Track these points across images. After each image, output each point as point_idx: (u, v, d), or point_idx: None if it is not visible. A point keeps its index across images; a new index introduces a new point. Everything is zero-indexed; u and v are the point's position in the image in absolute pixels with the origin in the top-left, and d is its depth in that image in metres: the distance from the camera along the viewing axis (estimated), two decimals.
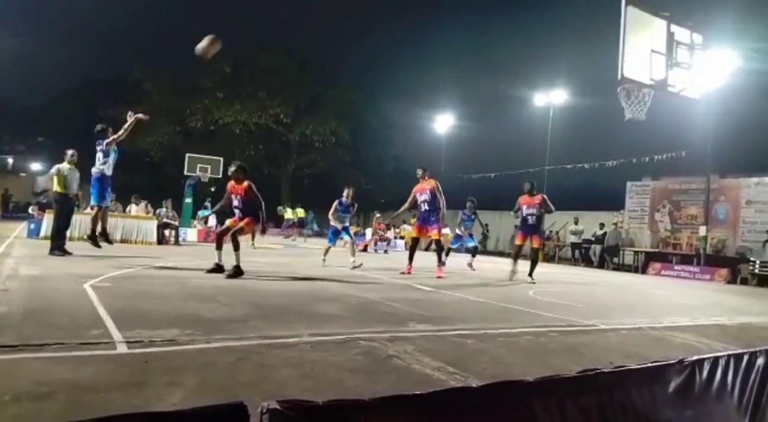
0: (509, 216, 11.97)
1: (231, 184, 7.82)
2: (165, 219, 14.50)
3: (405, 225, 23.52)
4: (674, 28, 8.86)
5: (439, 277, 8.99)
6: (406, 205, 10.03)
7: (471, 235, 12.70)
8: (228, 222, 8.02)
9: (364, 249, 18.90)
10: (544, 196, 9.95)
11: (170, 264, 8.59)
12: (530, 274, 9.62)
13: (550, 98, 22.36)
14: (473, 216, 12.52)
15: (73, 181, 9.20)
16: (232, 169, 7.81)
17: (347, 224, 10.60)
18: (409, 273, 9.32)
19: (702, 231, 15.78)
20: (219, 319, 4.13)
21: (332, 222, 10.54)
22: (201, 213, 19.66)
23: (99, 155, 8.60)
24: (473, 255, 12.62)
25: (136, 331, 3.43)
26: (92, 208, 8.48)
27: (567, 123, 23.16)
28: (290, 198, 31.88)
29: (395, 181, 32.95)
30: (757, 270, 13.82)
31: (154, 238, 13.76)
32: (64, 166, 9.10)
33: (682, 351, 4.08)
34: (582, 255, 19.69)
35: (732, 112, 16.89)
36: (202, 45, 7.60)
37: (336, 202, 10.43)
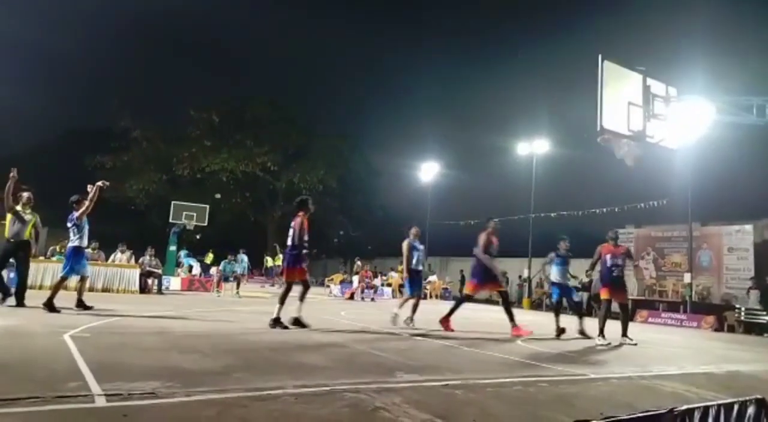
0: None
1: (303, 217, 7.76)
2: (148, 268, 14.31)
3: (392, 273, 23.41)
4: (650, 81, 9.16)
5: (517, 335, 8.23)
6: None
7: (570, 287, 10.09)
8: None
9: (351, 297, 18.70)
10: (629, 248, 8.54)
11: (152, 313, 8.41)
12: (624, 334, 8.35)
13: (533, 148, 22.81)
14: (568, 258, 9.82)
15: (24, 225, 8.46)
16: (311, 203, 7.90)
17: (421, 268, 9.05)
18: (449, 329, 8.30)
19: (687, 278, 15.90)
20: (201, 371, 4.03)
21: (411, 266, 8.87)
22: (186, 261, 19.41)
23: (73, 230, 8.13)
24: (580, 317, 9.38)
25: (115, 383, 3.32)
26: (62, 279, 8.15)
27: (550, 171, 23.62)
28: (277, 246, 31.86)
29: (383, 228, 33.03)
30: (742, 318, 13.86)
31: (137, 287, 13.55)
32: (18, 208, 8.48)
33: (671, 401, 4.03)
34: (569, 303, 19.59)
35: (710, 162, 17.35)
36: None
37: (406, 241, 8.93)
